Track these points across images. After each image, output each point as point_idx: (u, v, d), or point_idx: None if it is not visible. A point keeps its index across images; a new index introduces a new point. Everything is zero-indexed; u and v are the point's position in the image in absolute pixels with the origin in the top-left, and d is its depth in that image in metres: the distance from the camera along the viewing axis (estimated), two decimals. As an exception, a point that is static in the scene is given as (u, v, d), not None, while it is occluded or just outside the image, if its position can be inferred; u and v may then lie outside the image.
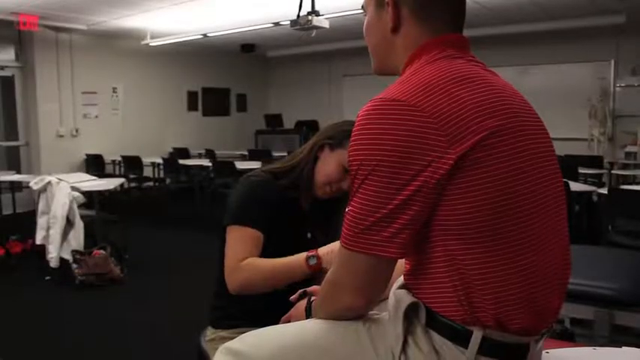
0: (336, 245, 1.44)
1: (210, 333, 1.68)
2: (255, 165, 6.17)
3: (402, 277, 1.06)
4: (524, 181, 0.90)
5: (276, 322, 1.28)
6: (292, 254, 1.52)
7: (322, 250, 1.49)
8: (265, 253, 1.55)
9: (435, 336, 0.94)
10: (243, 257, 1.51)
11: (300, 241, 1.65)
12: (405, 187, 0.87)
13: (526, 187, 0.91)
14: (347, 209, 0.94)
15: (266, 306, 1.50)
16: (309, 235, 1.70)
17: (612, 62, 8.01)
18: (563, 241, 1.00)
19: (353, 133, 0.94)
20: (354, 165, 0.92)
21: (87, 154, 8.49)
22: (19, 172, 7.56)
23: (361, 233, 0.91)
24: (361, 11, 1.18)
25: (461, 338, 0.91)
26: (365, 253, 0.91)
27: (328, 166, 1.61)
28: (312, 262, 1.48)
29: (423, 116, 0.87)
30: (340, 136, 1.60)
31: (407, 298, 0.97)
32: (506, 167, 0.88)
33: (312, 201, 1.69)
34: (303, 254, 1.49)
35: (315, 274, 1.49)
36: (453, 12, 1.07)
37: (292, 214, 1.66)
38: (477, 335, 0.90)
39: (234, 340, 1.12)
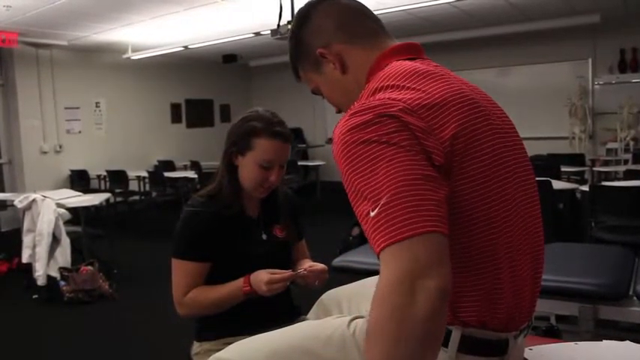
0: (263, 277, 1.50)
1: (195, 347, 1.69)
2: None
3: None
4: (496, 181, 0.92)
5: (257, 329, 1.29)
6: (250, 262, 1.57)
7: (253, 279, 1.54)
8: (222, 268, 1.61)
9: None
10: (185, 291, 1.59)
11: (255, 245, 1.68)
12: (428, 164, 0.84)
13: (498, 184, 0.92)
14: (365, 207, 0.82)
15: (246, 313, 1.54)
16: (264, 236, 1.71)
17: (590, 61, 8.13)
18: (536, 239, 1.03)
19: (342, 139, 0.87)
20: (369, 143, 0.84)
21: (71, 170, 8.42)
22: (2, 190, 7.49)
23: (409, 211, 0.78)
24: None
25: None
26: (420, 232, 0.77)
27: (248, 171, 1.61)
28: (247, 292, 1.54)
29: (408, 108, 0.88)
30: (244, 138, 1.60)
31: None
32: (479, 168, 0.90)
33: (258, 204, 1.72)
34: (240, 286, 1.54)
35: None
36: (377, 23, 1.10)
37: (241, 224, 1.67)
38: (455, 334, 0.92)
39: (224, 350, 1.14)
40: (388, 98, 0.89)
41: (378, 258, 0.79)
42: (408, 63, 0.99)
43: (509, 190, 0.94)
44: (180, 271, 1.61)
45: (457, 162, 0.88)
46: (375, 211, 0.79)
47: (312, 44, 1.09)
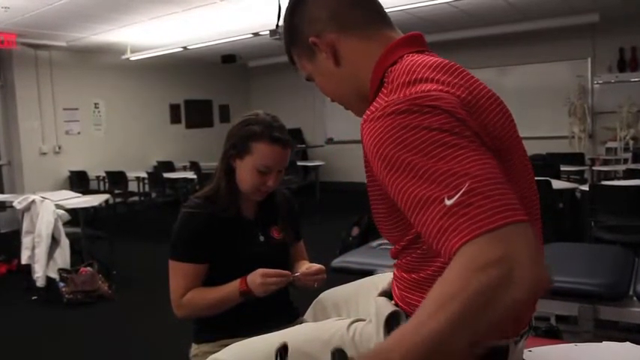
0: (258, 271, 1.49)
1: (193, 349, 1.68)
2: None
3: (385, 282, 1.07)
4: (522, 184, 0.92)
5: (255, 331, 1.28)
6: (248, 263, 1.56)
7: (249, 278, 1.53)
8: (220, 269, 1.60)
9: None
10: (183, 292, 1.59)
11: (253, 246, 1.67)
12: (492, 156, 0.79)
13: (524, 188, 0.92)
14: (434, 193, 0.74)
15: (244, 314, 1.53)
16: (261, 238, 1.70)
17: (589, 60, 8.13)
18: (538, 239, 1.01)
19: (388, 127, 0.80)
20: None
21: (70, 171, 8.42)
22: (1, 191, 7.49)
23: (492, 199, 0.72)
24: None
25: None
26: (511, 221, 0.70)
27: (245, 175, 1.60)
28: (244, 292, 1.53)
29: (460, 103, 0.82)
30: (243, 142, 1.59)
31: (387, 308, 0.98)
32: (513, 173, 0.89)
33: (256, 206, 1.71)
34: (237, 286, 1.54)
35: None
36: (377, 12, 1.02)
37: (239, 225, 1.66)
38: None
39: (221, 351, 1.14)
40: (434, 90, 0.82)
41: (455, 249, 0.70)
42: (424, 56, 0.92)
43: (528, 192, 0.94)
44: (178, 272, 1.61)
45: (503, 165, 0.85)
46: (455, 198, 0.71)
47: (304, 32, 1.02)
